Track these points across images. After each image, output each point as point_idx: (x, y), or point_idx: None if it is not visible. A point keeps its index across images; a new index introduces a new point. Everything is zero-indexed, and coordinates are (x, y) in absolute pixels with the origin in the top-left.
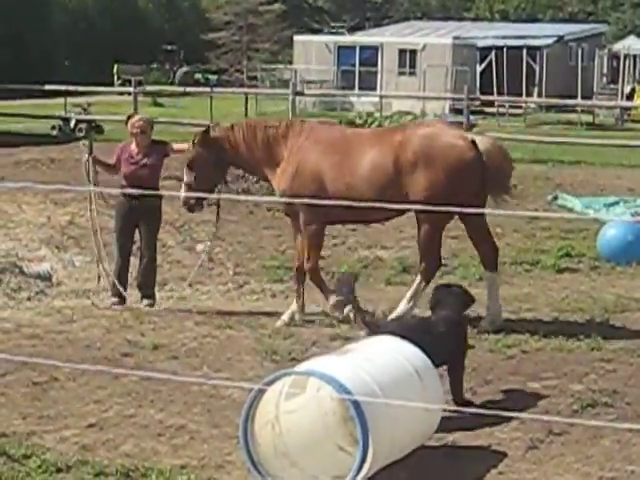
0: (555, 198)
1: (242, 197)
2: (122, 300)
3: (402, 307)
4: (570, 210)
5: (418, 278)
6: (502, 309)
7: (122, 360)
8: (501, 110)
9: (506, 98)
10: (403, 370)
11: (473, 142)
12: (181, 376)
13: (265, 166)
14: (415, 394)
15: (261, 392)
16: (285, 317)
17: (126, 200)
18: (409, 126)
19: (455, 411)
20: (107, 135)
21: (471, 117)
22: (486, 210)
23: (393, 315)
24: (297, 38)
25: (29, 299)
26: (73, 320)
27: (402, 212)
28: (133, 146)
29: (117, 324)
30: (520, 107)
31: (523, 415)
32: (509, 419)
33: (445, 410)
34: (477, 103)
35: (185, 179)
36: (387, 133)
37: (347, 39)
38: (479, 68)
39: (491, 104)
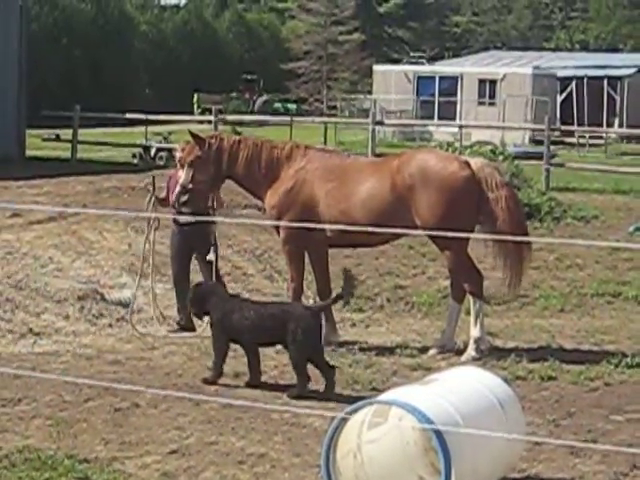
0: (637, 229)
1: (244, 219)
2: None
3: (475, 333)
4: None
5: (472, 300)
6: (455, 341)
7: (203, 387)
8: (582, 141)
9: (587, 128)
10: (485, 401)
11: (466, 163)
12: (262, 404)
13: (262, 184)
14: (497, 425)
15: (343, 421)
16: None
17: (175, 227)
18: (405, 152)
19: (536, 443)
20: None
21: (551, 147)
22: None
23: (471, 342)
24: (377, 68)
25: (110, 325)
26: (154, 347)
27: (401, 235)
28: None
29: (198, 351)
30: (601, 137)
31: (607, 447)
32: (592, 452)
33: (528, 442)
34: (557, 133)
35: (182, 177)
36: (384, 160)
37: (426, 69)
38: (559, 98)
39: (571, 134)
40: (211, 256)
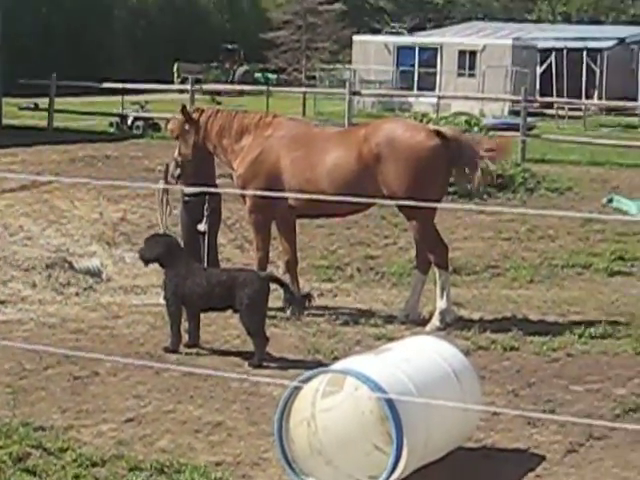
0: (610, 200)
1: (209, 189)
2: None
3: (441, 304)
4: (625, 213)
5: (437, 271)
6: (419, 309)
7: (164, 356)
8: (560, 112)
9: (566, 100)
10: (440, 371)
11: (436, 132)
12: (222, 372)
13: (232, 154)
14: (452, 395)
15: (297, 389)
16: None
17: (182, 201)
18: (373, 122)
19: (494, 413)
20: (164, 133)
21: (530, 119)
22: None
23: (437, 313)
24: (356, 38)
25: (77, 294)
26: (118, 316)
27: (368, 206)
28: None
29: (162, 320)
30: (580, 109)
31: (563, 418)
32: (550, 422)
33: (485, 412)
34: (536, 105)
35: (175, 151)
36: (352, 130)
37: (406, 40)
38: (539, 70)
39: (551, 106)
40: (202, 227)
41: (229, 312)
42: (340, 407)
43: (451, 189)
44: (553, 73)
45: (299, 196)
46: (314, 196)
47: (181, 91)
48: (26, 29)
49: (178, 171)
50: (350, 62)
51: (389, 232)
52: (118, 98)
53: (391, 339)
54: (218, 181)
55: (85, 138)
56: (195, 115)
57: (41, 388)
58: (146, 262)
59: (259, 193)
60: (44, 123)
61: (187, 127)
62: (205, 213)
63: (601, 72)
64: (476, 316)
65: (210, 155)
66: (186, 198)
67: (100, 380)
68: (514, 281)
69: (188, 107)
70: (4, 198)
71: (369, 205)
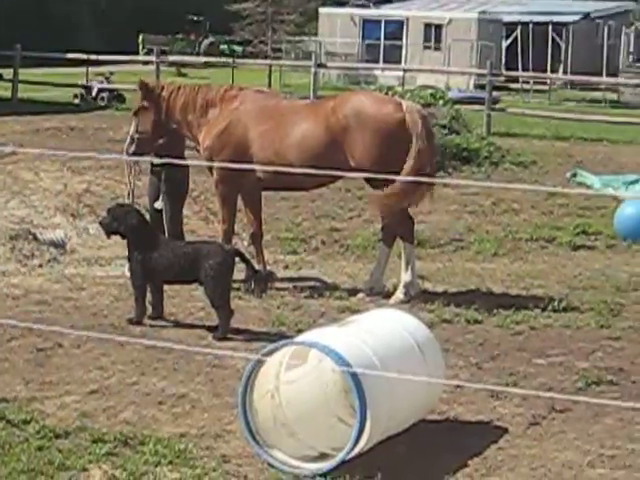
0: (574, 175)
1: (176, 160)
2: None
3: (406, 277)
4: (589, 187)
5: (403, 244)
6: (383, 281)
7: (128, 328)
8: (525, 86)
9: (531, 74)
10: (404, 343)
11: (401, 105)
12: (186, 345)
13: (198, 128)
14: (416, 367)
15: (260, 362)
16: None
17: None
18: (341, 94)
19: (457, 386)
20: (129, 104)
21: (495, 93)
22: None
23: (401, 286)
24: (322, 10)
25: (41, 266)
26: (82, 287)
27: (335, 178)
28: None
29: (126, 292)
30: (545, 84)
31: (526, 391)
32: (513, 395)
33: (449, 385)
34: (502, 79)
35: (131, 128)
36: (320, 102)
37: (372, 12)
38: (505, 44)
39: (516, 80)
40: (158, 204)
41: (194, 285)
42: (304, 379)
43: None
44: (519, 47)
45: (268, 168)
46: (283, 169)
47: (146, 62)
48: None
49: (133, 148)
50: (316, 34)
51: (354, 205)
52: (83, 69)
53: (355, 311)
54: (185, 153)
55: (50, 109)
56: (153, 91)
57: (4, 360)
58: (107, 233)
59: (228, 165)
60: (8, 94)
61: (144, 104)
62: (162, 189)
63: (566, 46)
64: (440, 289)
65: (176, 131)
66: (153, 169)
67: (64, 352)
68: (478, 254)
69: (153, 79)
70: None
71: (337, 178)
